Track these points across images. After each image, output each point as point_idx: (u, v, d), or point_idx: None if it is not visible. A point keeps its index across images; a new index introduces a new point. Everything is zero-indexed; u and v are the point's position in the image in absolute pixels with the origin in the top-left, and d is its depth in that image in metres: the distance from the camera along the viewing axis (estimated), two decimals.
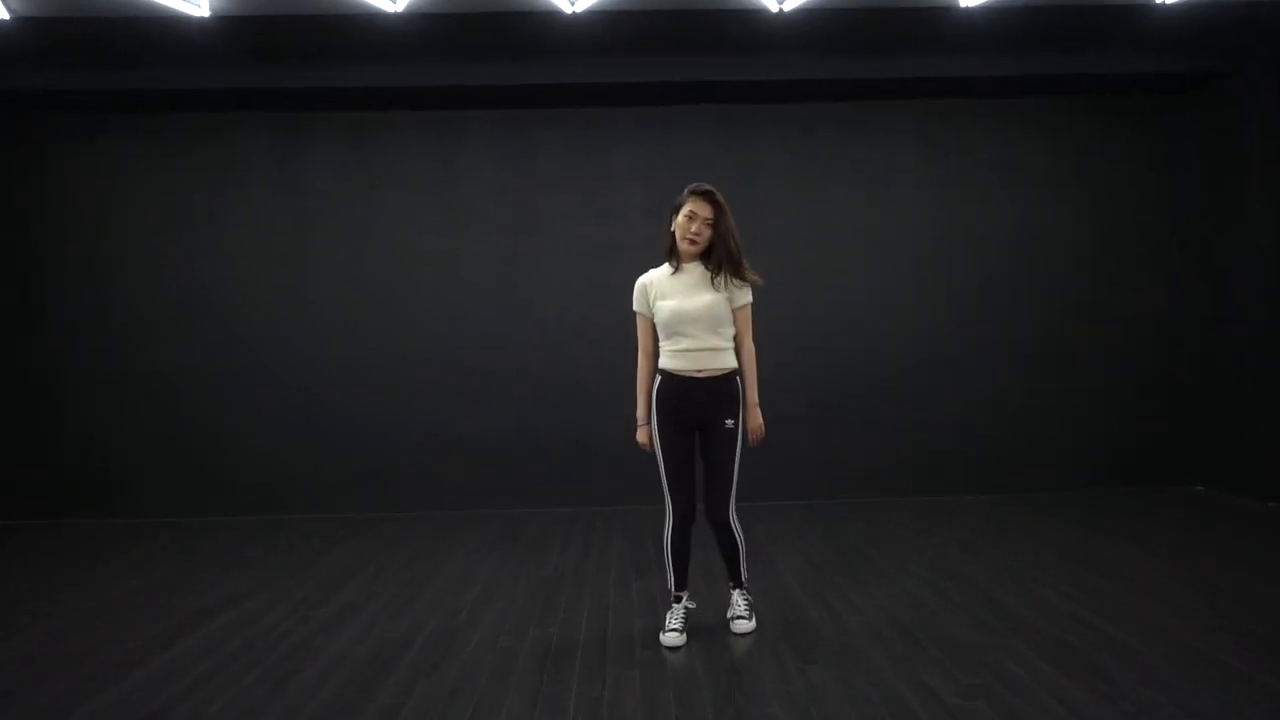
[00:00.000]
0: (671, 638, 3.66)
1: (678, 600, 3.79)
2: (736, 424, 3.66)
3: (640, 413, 3.75)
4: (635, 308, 3.77)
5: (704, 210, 3.59)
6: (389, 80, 6.05)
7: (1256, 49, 6.01)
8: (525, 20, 5.78)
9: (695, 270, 3.67)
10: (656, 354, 3.71)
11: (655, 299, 3.69)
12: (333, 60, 5.95)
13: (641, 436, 3.75)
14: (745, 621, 3.76)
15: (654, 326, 3.70)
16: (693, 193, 3.61)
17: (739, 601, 3.83)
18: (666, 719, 2.93)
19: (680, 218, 3.62)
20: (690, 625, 3.78)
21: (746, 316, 3.70)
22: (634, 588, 4.49)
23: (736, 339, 3.70)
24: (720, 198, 3.61)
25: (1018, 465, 6.60)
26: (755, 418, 3.71)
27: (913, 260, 6.58)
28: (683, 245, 3.63)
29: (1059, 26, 5.88)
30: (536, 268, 6.52)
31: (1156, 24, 5.86)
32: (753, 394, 3.71)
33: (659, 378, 3.70)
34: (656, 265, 3.78)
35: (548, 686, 3.22)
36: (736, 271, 3.62)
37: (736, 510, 3.72)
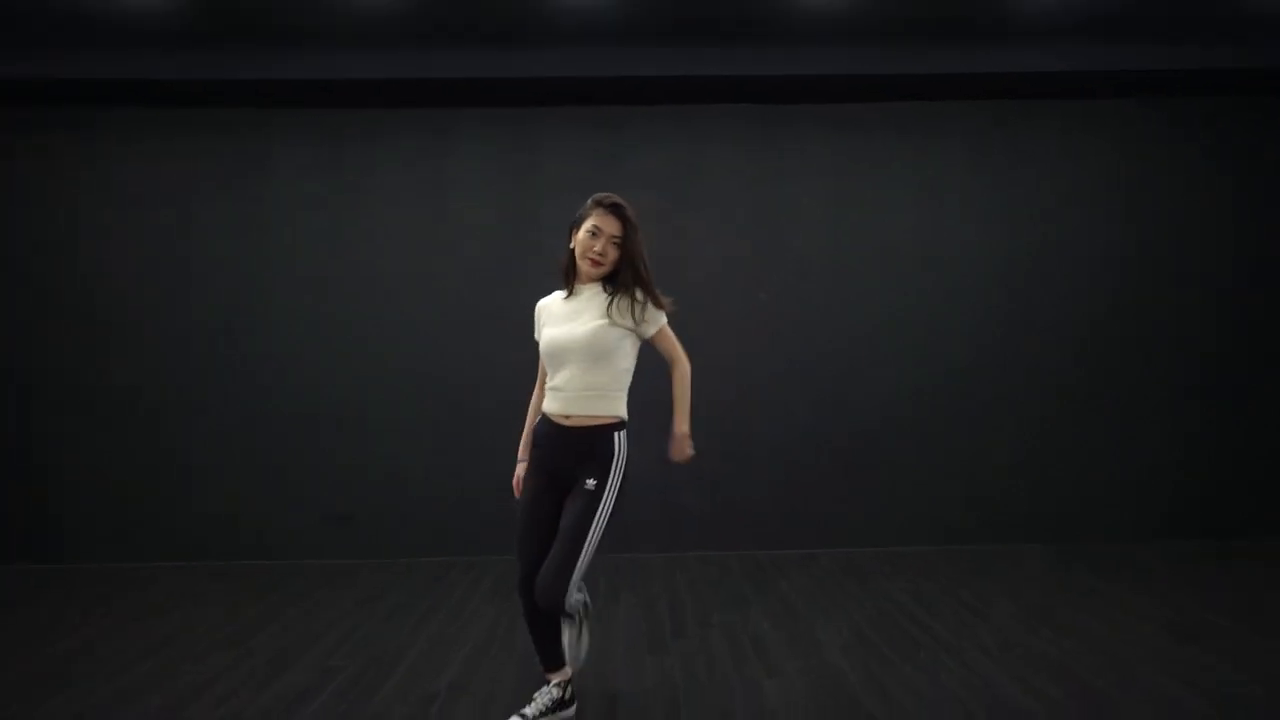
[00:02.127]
0: None
1: (546, 681, 3.12)
2: (602, 486, 2.92)
3: (521, 449, 3.20)
4: (535, 334, 3.17)
5: (610, 227, 2.95)
6: (369, 72, 5.35)
7: None
8: (527, 2, 5.08)
9: (590, 293, 3.03)
10: None
11: (543, 324, 3.08)
12: (305, 48, 5.26)
13: (516, 476, 3.18)
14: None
15: None
16: (598, 204, 2.97)
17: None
18: None
19: (581, 233, 2.98)
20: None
21: (668, 338, 3.07)
22: (647, 665, 3.70)
23: (669, 364, 3.08)
24: (630, 213, 2.97)
25: (1082, 511, 5.80)
26: (682, 449, 3.05)
27: (966, 280, 5.82)
28: (583, 264, 2.99)
29: (1141, 15, 5.17)
30: (539, 287, 5.76)
31: (1253, 9, 5.14)
32: (683, 423, 3.04)
33: (540, 421, 3.06)
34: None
35: None
36: (651, 299, 2.98)
37: (581, 592, 3.10)
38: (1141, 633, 3.98)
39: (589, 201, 3.00)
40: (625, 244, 2.95)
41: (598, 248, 2.95)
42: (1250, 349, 5.85)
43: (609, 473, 2.92)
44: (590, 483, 2.89)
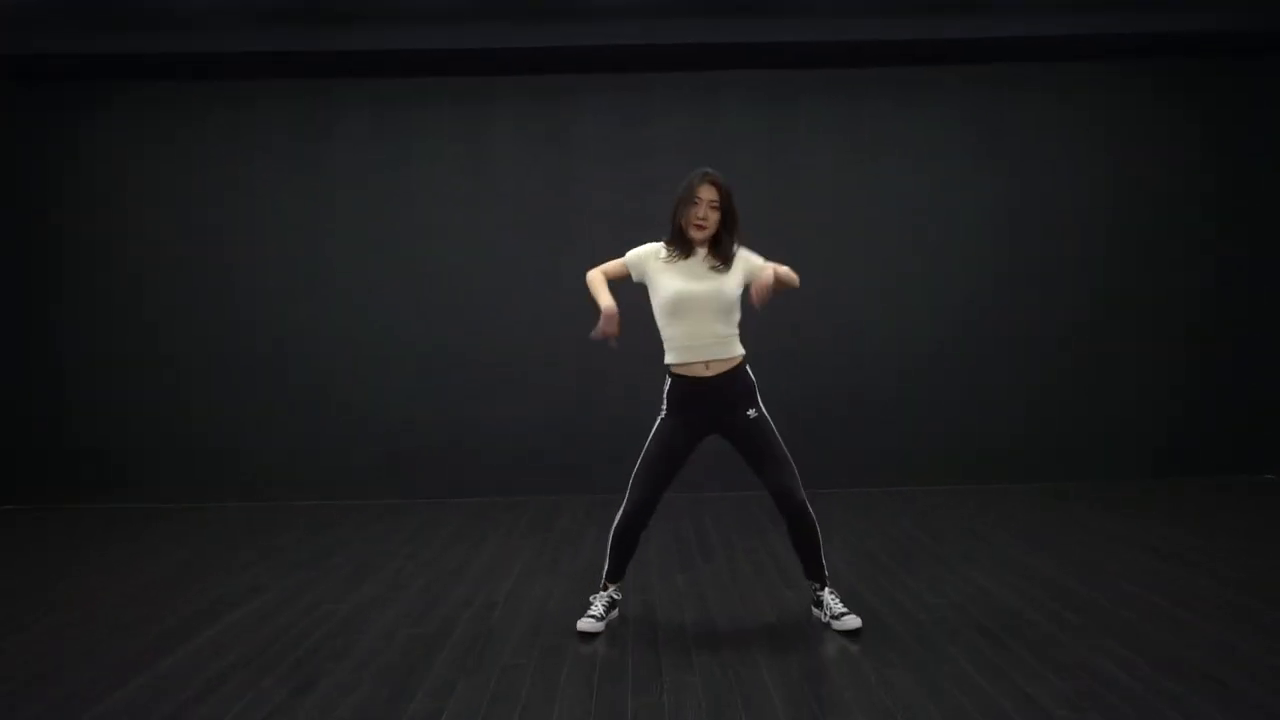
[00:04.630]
0: (587, 624, 3.47)
1: (604, 589, 3.57)
2: (759, 410, 3.41)
3: (605, 300, 3.40)
4: (628, 256, 3.49)
5: (709, 194, 3.35)
6: (417, 43, 5.76)
7: None
8: None
9: (703, 258, 3.40)
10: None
11: (656, 274, 3.41)
12: (358, 22, 5.67)
13: (609, 326, 3.36)
14: (852, 617, 3.44)
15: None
16: (699, 178, 3.36)
17: (833, 601, 3.49)
18: None
19: (686, 206, 3.36)
20: (754, 629, 3.51)
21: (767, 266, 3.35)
22: (678, 581, 4.19)
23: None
24: (723, 180, 3.37)
25: (1071, 454, 6.26)
26: (766, 278, 3.24)
27: (957, 235, 6.23)
28: (690, 231, 3.35)
29: None
30: (570, 242, 6.18)
31: None
32: (778, 272, 3.28)
33: (669, 380, 3.45)
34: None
35: (600, 697, 2.92)
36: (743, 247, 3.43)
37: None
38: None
39: (692, 176, 3.37)
40: (723, 205, 3.34)
41: (700, 213, 3.33)
42: (1233, 293, 6.25)
43: (757, 398, 3.40)
44: (751, 412, 3.37)
